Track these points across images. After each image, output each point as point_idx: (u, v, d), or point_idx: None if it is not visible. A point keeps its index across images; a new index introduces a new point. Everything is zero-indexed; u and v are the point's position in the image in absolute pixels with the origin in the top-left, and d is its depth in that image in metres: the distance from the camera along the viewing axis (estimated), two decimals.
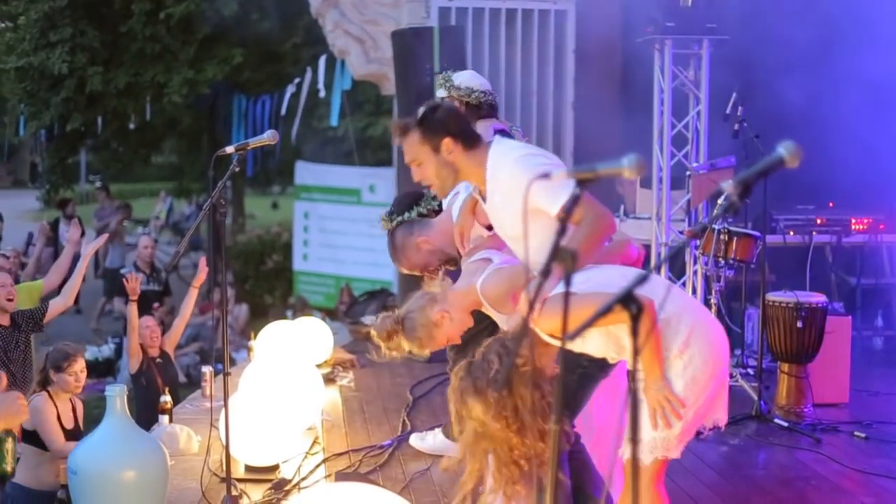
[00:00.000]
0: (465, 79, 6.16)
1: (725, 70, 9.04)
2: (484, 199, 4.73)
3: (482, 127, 5.80)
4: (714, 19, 9.08)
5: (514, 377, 3.85)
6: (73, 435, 6.75)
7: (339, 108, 17.45)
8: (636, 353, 2.82)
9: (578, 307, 3.67)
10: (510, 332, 4.11)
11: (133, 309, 8.63)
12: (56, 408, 6.77)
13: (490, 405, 3.95)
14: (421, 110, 4.70)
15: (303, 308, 15.97)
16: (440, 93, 6.16)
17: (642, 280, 2.79)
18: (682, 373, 4.12)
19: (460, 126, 4.68)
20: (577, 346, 4.28)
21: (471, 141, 4.66)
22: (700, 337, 4.17)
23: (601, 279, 4.17)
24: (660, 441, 4.17)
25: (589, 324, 2.82)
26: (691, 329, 4.16)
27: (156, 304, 10.93)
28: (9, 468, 5.12)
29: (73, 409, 6.90)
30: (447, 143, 4.60)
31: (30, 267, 10.40)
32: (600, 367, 4.61)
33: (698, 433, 4.31)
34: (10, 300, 7.38)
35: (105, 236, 8.70)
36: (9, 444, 5.05)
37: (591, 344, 4.25)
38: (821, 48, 9.11)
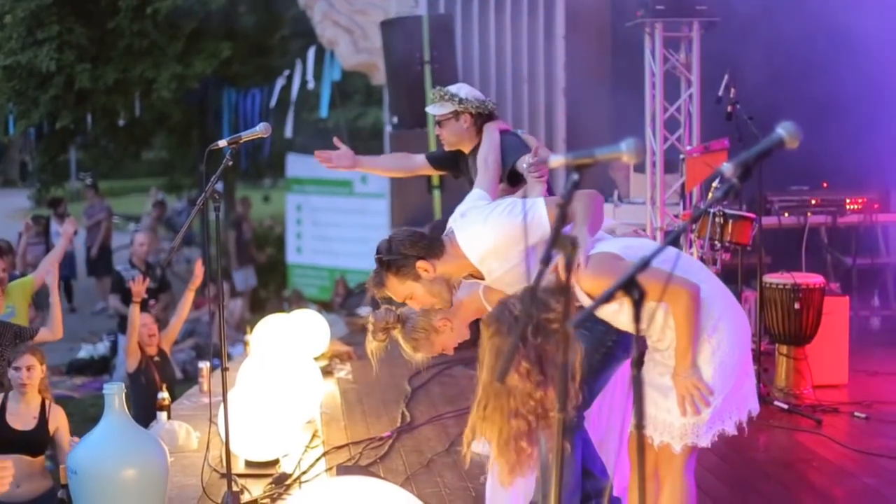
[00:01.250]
0: (469, 90, 6.01)
1: (716, 52, 9.02)
2: (481, 278, 4.72)
3: (489, 129, 5.72)
4: (704, 1, 9.05)
5: (542, 329, 3.79)
6: (27, 438, 6.62)
7: (329, 99, 17.40)
8: (640, 338, 2.80)
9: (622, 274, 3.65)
10: (544, 285, 4.06)
11: (136, 310, 8.61)
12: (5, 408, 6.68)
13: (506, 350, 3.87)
14: (377, 257, 4.70)
15: (298, 301, 15.94)
16: (440, 108, 5.90)
17: (645, 266, 2.76)
18: (711, 358, 4.11)
19: (419, 243, 4.67)
20: (609, 314, 4.25)
21: (437, 247, 4.67)
22: (728, 321, 4.16)
23: (642, 249, 4.13)
24: (689, 427, 4.15)
25: (599, 304, 2.79)
26: (721, 312, 4.15)
27: (151, 302, 10.88)
28: None
29: (43, 412, 6.77)
30: (421, 265, 4.62)
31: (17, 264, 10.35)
32: (624, 348, 4.60)
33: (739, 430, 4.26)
34: None
35: (61, 250, 8.67)
36: None
37: (626, 314, 4.20)
38: (812, 27, 9.10)
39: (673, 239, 2.97)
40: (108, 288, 18.87)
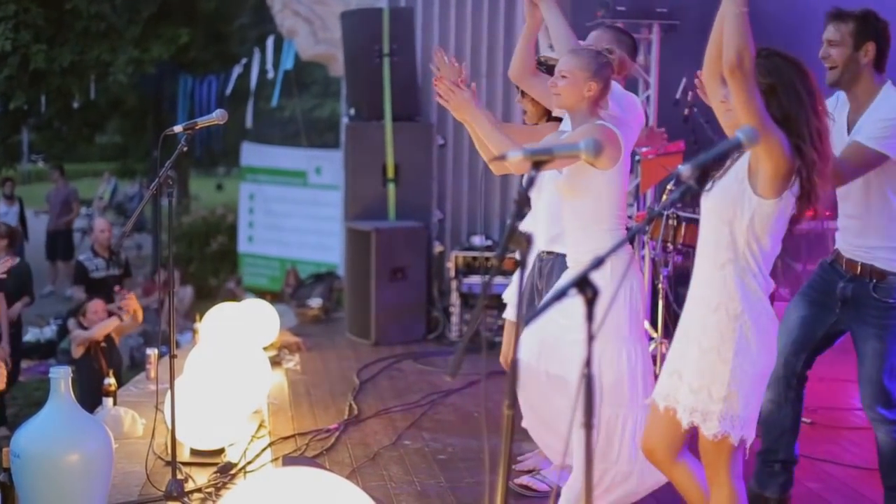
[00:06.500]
0: None
1: (674, 55, 9.05)
2: None
3: None
4: (665, 4, 9.08)
5: None
6: None
7: (280, 88, 17.33)
8: (591, 339, 2.77)
9: None
10: None
11: (114, 323, 8.72)
12: None
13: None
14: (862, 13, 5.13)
15: (237, 283, 15.90)
16: None
17: (600, 264, 2.74)
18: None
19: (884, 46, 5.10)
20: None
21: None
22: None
23: None
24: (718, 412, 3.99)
25: (552, 301, 2.76)
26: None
27: (117, 288, 10.73)
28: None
29: None
30: (869, 47, 5.10)
31: None
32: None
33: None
34: None
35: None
36: None
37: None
38: (769, 34, 9.12)
39: (630, 238, 2.97)
40: (60, 272, 18.77)
